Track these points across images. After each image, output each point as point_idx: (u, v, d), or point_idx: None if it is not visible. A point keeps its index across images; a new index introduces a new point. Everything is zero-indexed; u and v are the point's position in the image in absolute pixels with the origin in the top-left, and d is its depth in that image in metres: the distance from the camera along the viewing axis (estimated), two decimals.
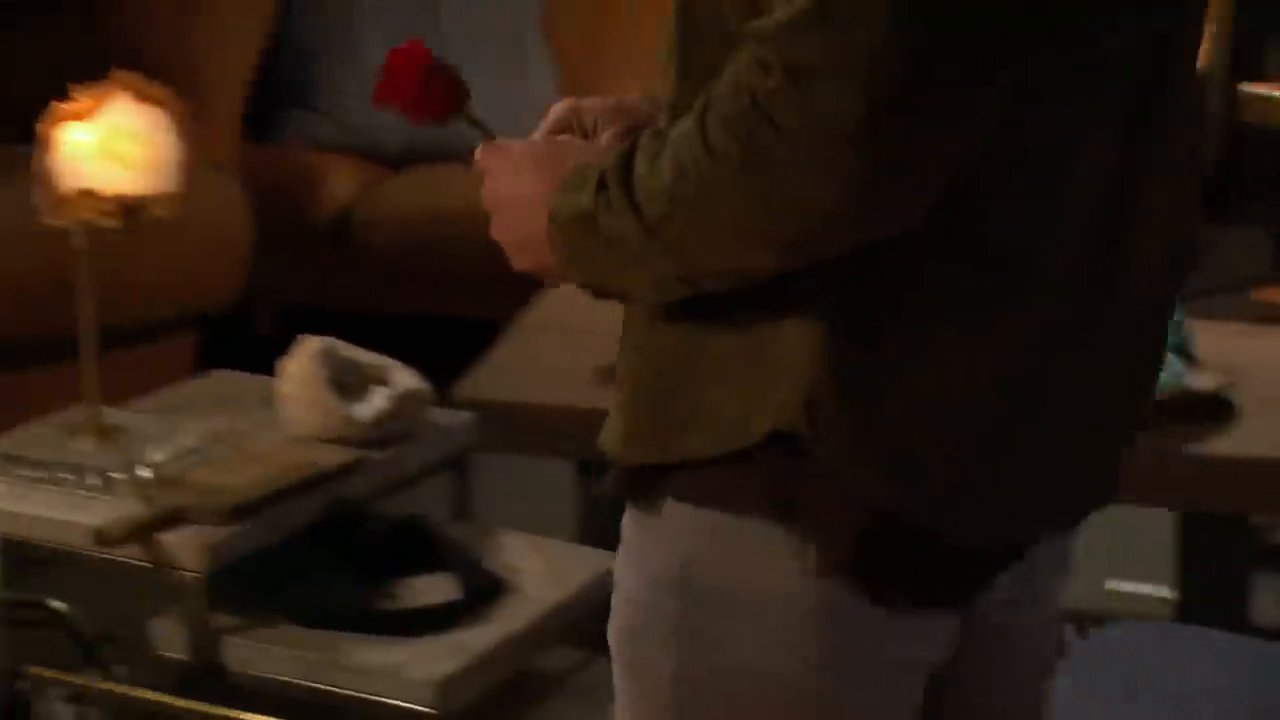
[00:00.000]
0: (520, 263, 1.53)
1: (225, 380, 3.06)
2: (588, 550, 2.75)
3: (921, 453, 1.43)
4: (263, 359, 2.88)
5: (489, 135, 1.56)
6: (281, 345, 2.75)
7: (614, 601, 1.55)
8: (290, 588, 2.57)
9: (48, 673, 2.36)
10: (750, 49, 1.35)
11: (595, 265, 1.46)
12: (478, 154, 1.55)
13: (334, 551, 2.65)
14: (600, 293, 1.49)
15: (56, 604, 2.44)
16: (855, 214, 1.36)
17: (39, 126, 2.65)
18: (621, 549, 1.55)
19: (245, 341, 3.78)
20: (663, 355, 1.48)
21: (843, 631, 1.46)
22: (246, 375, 3.02)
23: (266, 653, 2.50)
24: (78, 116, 2.67)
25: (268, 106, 4.46)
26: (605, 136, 1.57)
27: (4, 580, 2.26)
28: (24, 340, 3.49)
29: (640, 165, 1.41)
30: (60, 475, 2.64)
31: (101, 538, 2.51)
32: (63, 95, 2.69)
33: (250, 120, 4.31)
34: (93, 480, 2.62)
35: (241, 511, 2.54)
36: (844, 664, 1.47)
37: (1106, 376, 1.52)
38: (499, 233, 1.53)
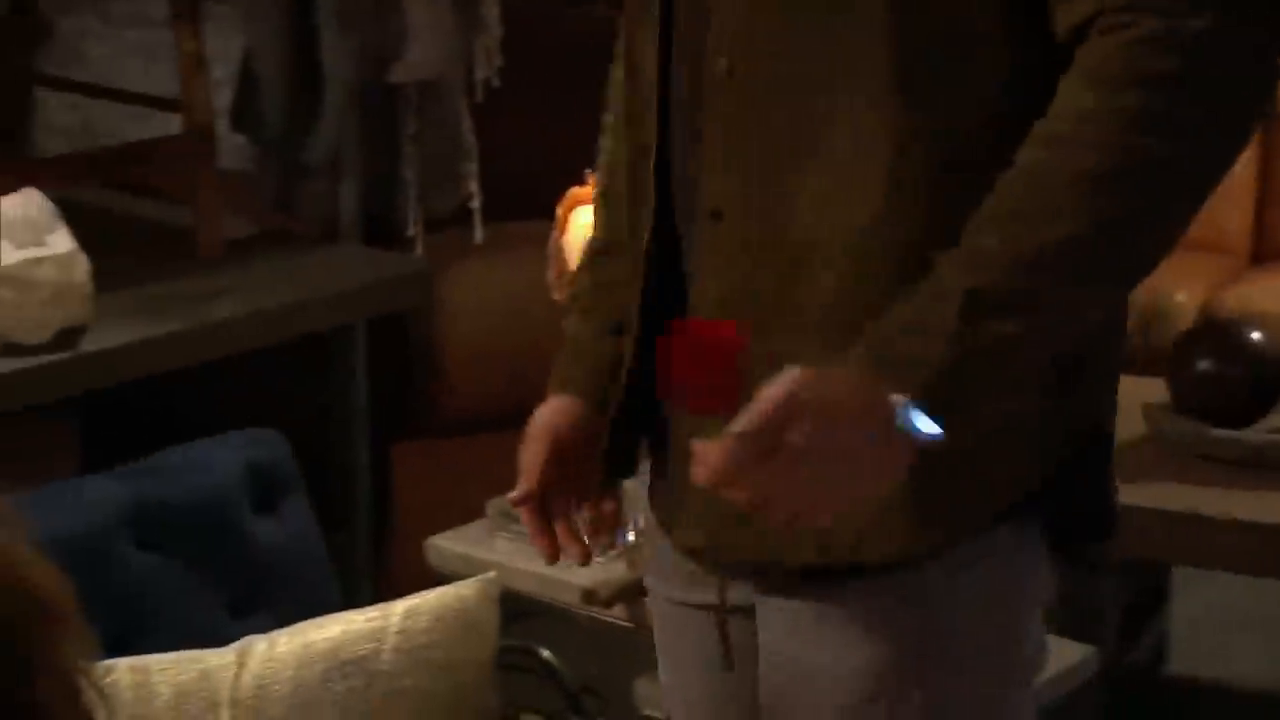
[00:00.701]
0: (856, 492, 1.52)
1: None
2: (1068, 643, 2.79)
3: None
4: None
5: None
6: None
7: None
8: None
9: None
10: (1129, 35, 1.45)
11: (979, 403, 1.52)
12: (780, 391, 1.47)
13: None
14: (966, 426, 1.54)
15: (546, 654, 2.60)
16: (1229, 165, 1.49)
17: (557, 209, 2.83)
18: (891, 644, 1.70)
19: None
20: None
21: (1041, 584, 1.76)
22: None
23: None
24: (589, 200, 2.84)
25: None
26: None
27: (501, 628, 2.43)
28: (521, 406, 3.66)
29: (1016, 241, 1.48)
30: None
31: (589, 597, 2.67)
32: (576, 180, 2.86)
33: None
34: None
35: None
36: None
37: None
38: (830, 480, 1.51)
